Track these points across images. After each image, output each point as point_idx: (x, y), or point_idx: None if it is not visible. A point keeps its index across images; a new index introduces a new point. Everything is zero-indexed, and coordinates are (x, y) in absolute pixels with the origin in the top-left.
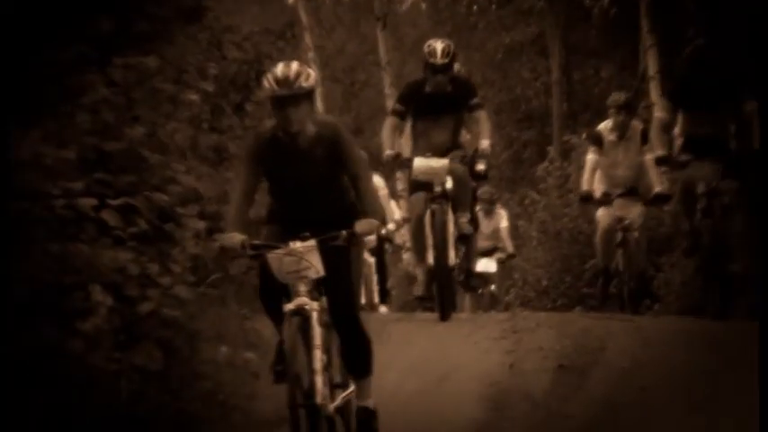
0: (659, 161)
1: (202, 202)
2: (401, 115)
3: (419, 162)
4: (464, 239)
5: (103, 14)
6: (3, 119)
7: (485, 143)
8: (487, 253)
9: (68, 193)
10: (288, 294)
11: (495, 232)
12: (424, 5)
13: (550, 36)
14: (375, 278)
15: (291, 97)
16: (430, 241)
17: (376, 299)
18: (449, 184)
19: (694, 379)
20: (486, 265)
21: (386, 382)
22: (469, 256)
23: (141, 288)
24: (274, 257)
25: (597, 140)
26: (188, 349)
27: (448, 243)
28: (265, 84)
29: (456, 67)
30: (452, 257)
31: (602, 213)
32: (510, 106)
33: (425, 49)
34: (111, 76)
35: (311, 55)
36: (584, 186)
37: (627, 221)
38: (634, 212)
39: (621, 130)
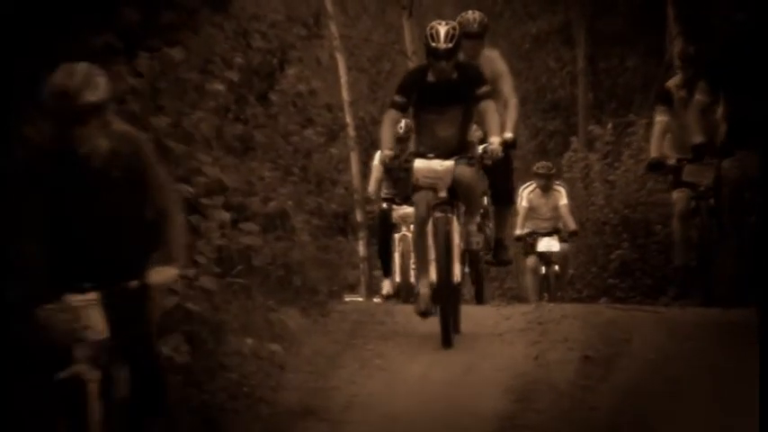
0: (698, 149)
1: (227, 193)
2: (402, 108)
3: (421, 165)
4: (498, 206)
5: (129, 4)
6: (28, 111)
7: (494, 141)
8: (549, 233)
9: None
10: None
11: (555, 210)
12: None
13: (576, 25)
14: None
15: (74, 113)
16: (432, 254)
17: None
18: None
19: (721, 370)
20: (548, 245)
21: (411, 374)
22: (501, 225)
23: None
24: (48, 314)
25: (666, 98)
26: (213, 341)
27: (452, 257)
28: (47, 94)
29: (486, 51)
30: (458, 273)
31: (678, 196)
32: (536, 96)
33: (427, 31)
34: (136, 66)
35: (336, 44)
36: (653, 153)
37: (701, 188)
38: (710, 179)
39: (691, 86)
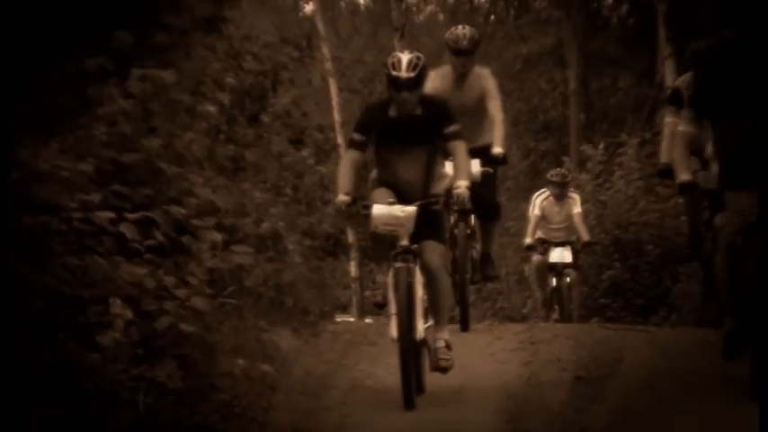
0: (683, 189)
1: (219, 214)
2: (361, 147)
3: (380, 210)
4: (484, 222)
5: (122, 26)
6: (20, 132)
7: (461, 185)
8: (562, 243)
9: (86, 206)
10: None
11: (568, 218)
12: (441, 16)
13: (568, 46)
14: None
15: None
16: (393, 308)
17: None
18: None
19: (713, 390)
20: (560, 255)
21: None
22: (487, 241)
23: (158, 301)
24: None
25: (676, 98)
26: (205, 362)
27: (415, 311)
28: None
29: (477, 68)
30: (421, 329)
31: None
32: (527, 116)
33: (388, 60)
34: (128, 87)
35: (328, 65)
36: (663, 158)
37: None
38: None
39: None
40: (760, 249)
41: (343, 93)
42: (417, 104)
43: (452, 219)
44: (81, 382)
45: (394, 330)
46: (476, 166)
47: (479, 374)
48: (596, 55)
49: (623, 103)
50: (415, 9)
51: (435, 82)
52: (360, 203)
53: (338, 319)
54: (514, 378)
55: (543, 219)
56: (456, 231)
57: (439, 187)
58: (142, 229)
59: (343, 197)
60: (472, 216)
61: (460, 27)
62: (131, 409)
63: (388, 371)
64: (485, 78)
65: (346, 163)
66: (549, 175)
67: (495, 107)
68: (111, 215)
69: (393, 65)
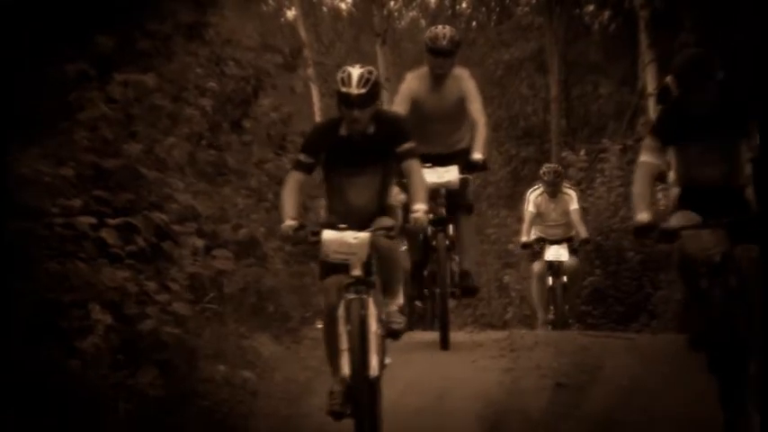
0: (639, 232)
1: (200, 219)
2: (308, 169)
3: (330, 237)
4: (461, 235)
5: (103, 31)
6: (2, 137)
7: (419, 208)
8: (559, 241)
9: (67, 212)
10: None
11: (565, 215)
12: (423, 21)
13: (549, 52)
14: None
15: None
16: (344, 343)
17: None
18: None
19: (694, 397)
20: (556, 254)
21: (384, 401)
22: (466, 255)
23: (139, 306)
24: None
25: (665, 96)
26: (186, 368)
27: (368, 347)
28: None
29: (456, 70)
30: (375, 366)
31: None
32: (509, 123)
33: (338, 75)
34: (110, 92)
35: (310, 71)
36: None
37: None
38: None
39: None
40: (723, 292)
41: (325, 98)
42: (370, 122)
43: (430, 230)
44: (61, 388)
45: (346, 367)
46: (453, 172)
47: (460, 381)
48: (578, 61)
49: (605, 109)
50: (396, 15)
51: (412, 84)
52: (308, 229)
53: (319, 326)
54: (495, 385)
55: (539, 216)
56: (435, 243)
57: (394, 213)
58: (123, 235)
59: (289, 222)
60: (451, 226)
61: (440, 26)
62: (112, 414)
63: None
64: (464, 80)
65: (291, 186)
66: (541, 173)
67: (475, 110)
68: (93, 220)
69: (343, 80)
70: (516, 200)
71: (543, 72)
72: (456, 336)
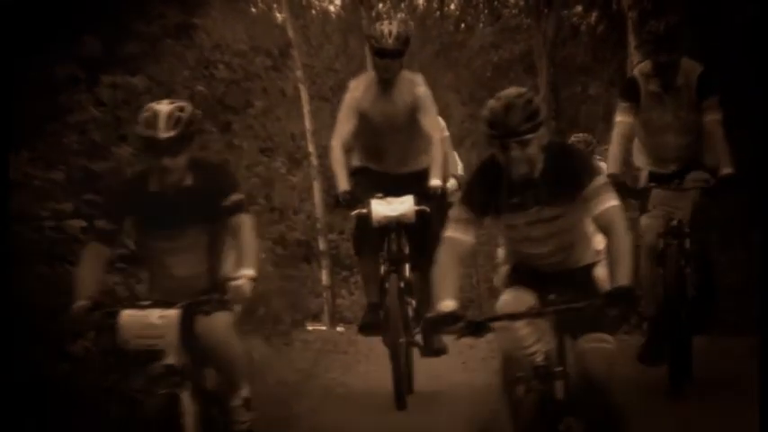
0: (435, 326)
1: None
2: (109, 239)
3: (129, 318)
4: (423, 273)
5: (91, 34)
6: None
7: (244, 274)
8: None
9: (57, 215)
10: None
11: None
12: (411, 23)
13: (538, 53)
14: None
15: None
16: None
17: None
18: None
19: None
20: None
21: (373, 403)
22: (427, 300)
23: None
24: None
25: (630, 92)
26: None
27: None
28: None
29: (406, 74)
30: None
31: (646, 222)
32: None
33: (141, 115)
34: (98, 95)
35: (299, 73)
36: (611, 168)
37: (674, 222)
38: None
39: (667, 76)
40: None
41: (315, 100)
42: (186, 172)
43: (383, 269)
44: (52, 392)
45: None
46: (408, 203)
47: (450, 383)
48: (566, 62)
49: (593, 110)
50: (385, 17)
51: (356, 92)
52: (103, 310)
53: (309, 328)
54: (486, 387)
55: None
56: (387, 285)
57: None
58: None
59: (82, 302)
60: (407, 266)
61: (386, 22)
62: (103, 418)
63: (359, 379)
64: (416, 86)
65: (89, 260)
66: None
67: (429, 124)
68: (83, 223)
69: (147, 121)
70: None
71: (532, 73)
72: (446, 337)
